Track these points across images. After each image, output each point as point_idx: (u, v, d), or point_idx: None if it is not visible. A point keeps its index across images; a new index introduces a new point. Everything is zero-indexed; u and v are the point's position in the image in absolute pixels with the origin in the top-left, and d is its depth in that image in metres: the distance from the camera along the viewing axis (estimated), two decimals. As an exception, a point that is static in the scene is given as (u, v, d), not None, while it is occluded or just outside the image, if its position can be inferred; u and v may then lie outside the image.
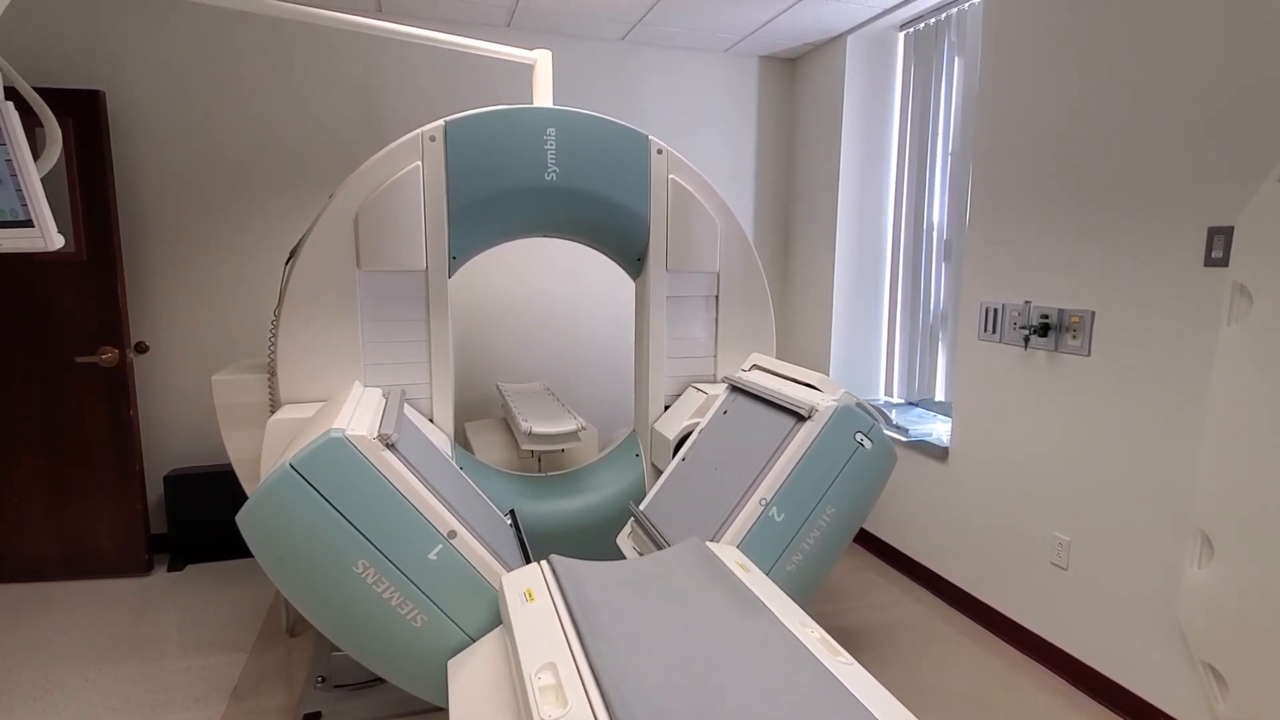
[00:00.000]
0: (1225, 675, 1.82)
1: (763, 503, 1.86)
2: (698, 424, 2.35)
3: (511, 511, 2.23)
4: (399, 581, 1.56)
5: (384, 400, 2.00)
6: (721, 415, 2.29)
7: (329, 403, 2.01)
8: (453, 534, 1.62)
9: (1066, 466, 2.33)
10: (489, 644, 1.59)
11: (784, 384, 2.21)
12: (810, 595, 1.94)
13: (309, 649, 2.47)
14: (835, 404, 1.95)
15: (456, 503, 1.72)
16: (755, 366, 2.50)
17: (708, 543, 1.79)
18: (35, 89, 2.24)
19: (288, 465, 1.51)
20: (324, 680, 2.20)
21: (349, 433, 1.57)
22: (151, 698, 2.19)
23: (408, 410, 2.13)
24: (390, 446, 1.62)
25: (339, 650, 2.15)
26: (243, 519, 1.50)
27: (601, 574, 1.61)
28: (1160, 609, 2.06)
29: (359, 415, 1.75)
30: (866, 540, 3.42)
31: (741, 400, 2.27)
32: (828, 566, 1.95)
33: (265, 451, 1.94)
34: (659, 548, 1.97)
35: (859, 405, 2.03)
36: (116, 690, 2.23)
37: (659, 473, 2.33)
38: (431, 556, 1.59)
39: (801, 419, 1.96)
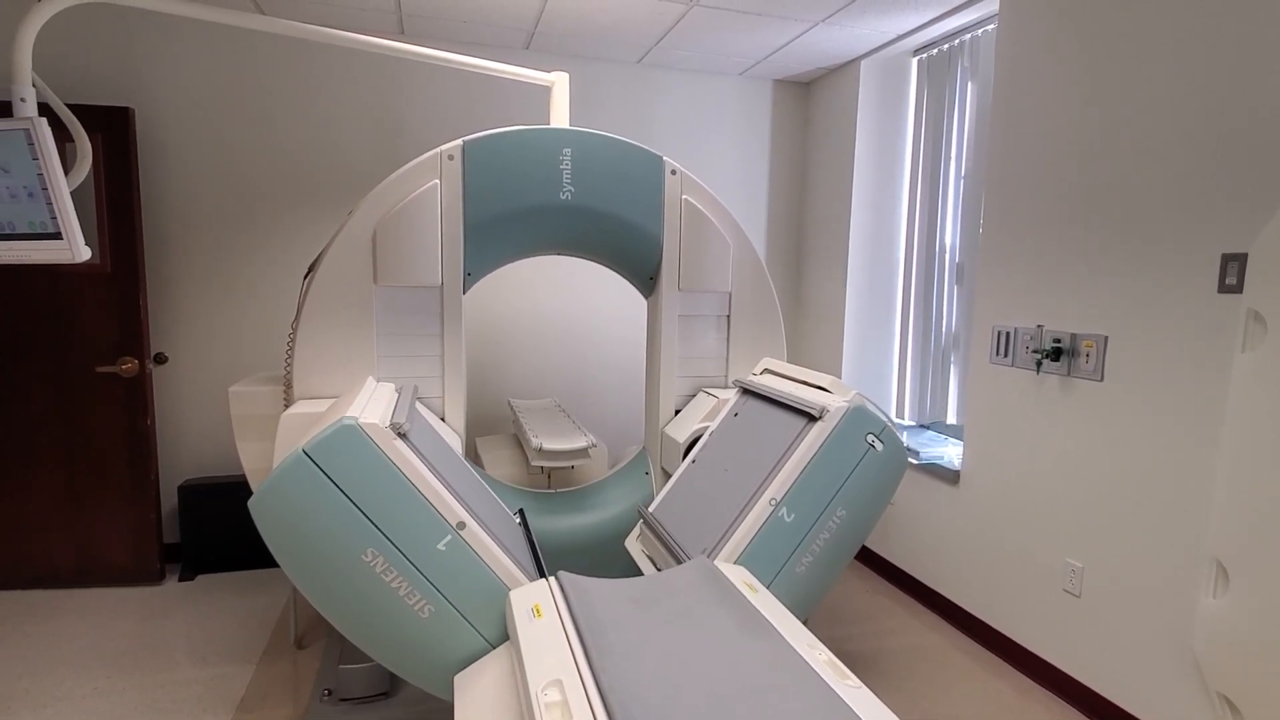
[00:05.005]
0: (1240, 707, 1.79)
1: (773, 503, 1.85)
2: (708, 427, 2.35)
3: (520, 510, 2.23)
4: (407, 571, 1.56)
5: (397, 394, 2.02)
6: (732, 418, 2.29)
7: (342, 397, 2.03)
8: (461, 525, 1.62)
9: (1079, 492, 2.31)
10: (495, 660, 1.59)
11: (795, 386, 2.20)
12: (819, 600, 1.92)
13: (316, 661, 2.47)
14: (846, 405, 1.94)
15: (466, 496, 1.73)
16: (766, 370, 2.51)
17: (716, 563, 1.79)
18: (67, 105, 2.30)
19: (300, 450, 1.52)
20: (330, 693, 2.20)
21: (361, 420, 1.59)
22: (158, 707, 2.20)
23: (420, 408, 2.14)
24: (402, 436, 1.64)
25: (346, 664, 2.15)
26: (254, 505, 1.52)
27: (609, 591, 1.61)
28: (1175, 638, 2.03)
29: (372, 406, 1.77)
30: (876, 563, 3.39)
31: (752, 402, 2.27)
32: (837, 570, 1.93)
33: (278, 444, 1.96)
34: (668, 549, 1.96)
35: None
36: (123, 700, 2.24)
37: (669, 478, 2.34)
38: (440, 547, 1.59)
39: (812, 419, 1.95)
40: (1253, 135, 1.82)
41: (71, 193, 1.72)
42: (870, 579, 3.34)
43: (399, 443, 1.62)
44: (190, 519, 3.13)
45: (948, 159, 3.24)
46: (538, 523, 2.43)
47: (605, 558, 2.45)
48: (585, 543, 2.46)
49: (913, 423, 3.50)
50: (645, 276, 2.57)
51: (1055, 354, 2.34)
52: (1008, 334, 2.56)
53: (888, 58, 3.44)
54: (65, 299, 2.89)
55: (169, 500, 3.24)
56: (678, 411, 2.61)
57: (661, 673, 1.27)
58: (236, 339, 3.27)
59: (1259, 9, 1.80)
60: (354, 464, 1.55)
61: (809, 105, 3.89)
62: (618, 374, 3.80)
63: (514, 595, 1.61)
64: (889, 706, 2.12)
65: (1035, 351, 2.43)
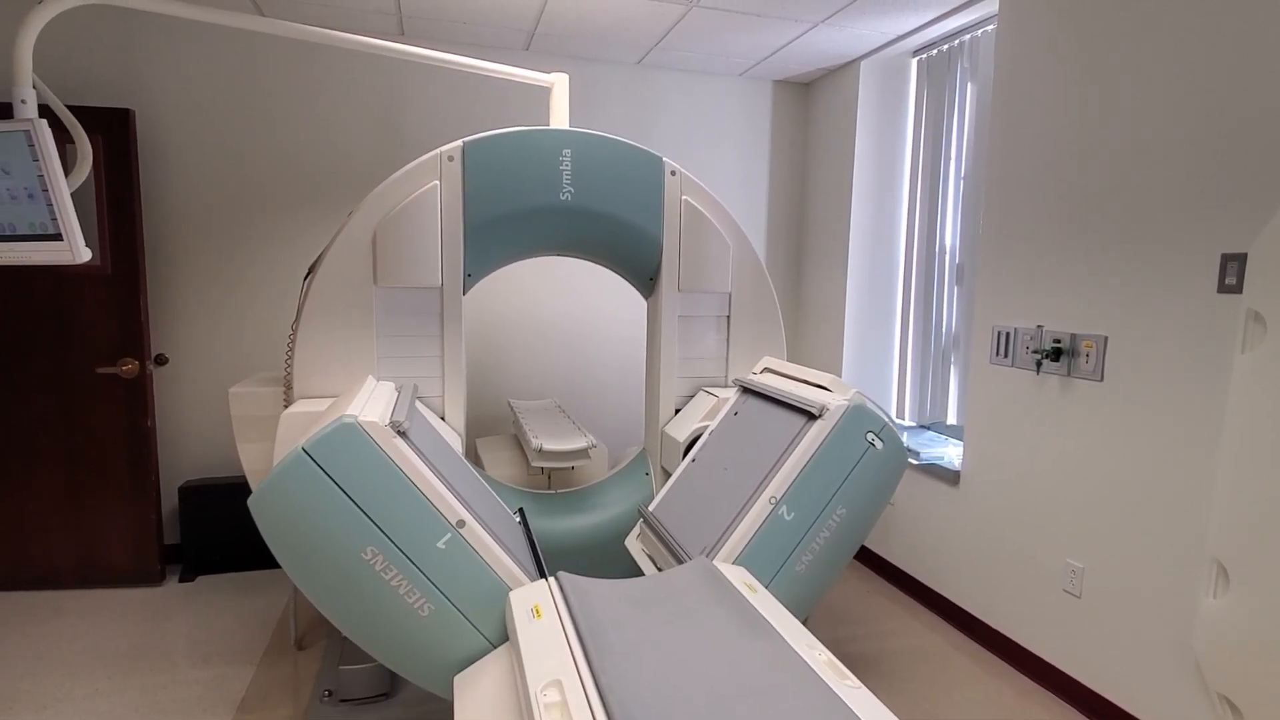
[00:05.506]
0: (1241, 708, 1.79)
1: (772, 501, 1.84)
2: (708, 426, 2.35)
3: (520, 509, 2.23)
4: (406, 569, 1.56)
5: (397, 393, 2.02)
6: (732, 417, 2.29)
7: (342, 396, 2.04)
8: (461, 524, 1.62)
9: (1079, 492, 2.31)
10: (495, 660, 1.59)
11: (795, 385, 2.20)
12: (819, 599, 1.92)
13: (317, 662, 2.47)
14: (846, 403, 1.94)
15: (466, 494, 1.73)
16: (766, 369, 2.51)
17: (716, 562, 1.79)
18: (67, 106, 2.30)
19: (300, 449, 1.52)
20: (330, 694, 2.20)
21: (361, 419, 1.59)
22: (159, 709, 2.20)
23: (420, 407, 2.15)
24: (402, 434, 1.64)
25: (346, 664, 2.16)
26: (254, 503, 1.52)
27: (609, 592, 1.61)
28: (1175, 639, 2.03)
29: (372, 404, 1.77)
30: (876, 564, 3.39)
31: (752, 401, 2.27)
32: (837, 569, 1.93)
33: (278, 443, 1.96)
34: (668, 548, 1.96)
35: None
36: (124, 700, 2.24)
37: (669, 477, 2.34)
38: (440, 545, 1.59)
39: (812, 418, 1.95)
40: (1252, 135, 1.82)
41: (72, 194, 1.72)
42: (870, 580, 3.33)
43: (398, 441, 1.62)
44: (191, 520, 3.13)
45: (948, 159, 3.24)
46: (538, 523, 2.43)
47: (605, 558, 2.45)
48: (585, 543, 2.46)
49: (913, 423, 3.50)
50: (645, 277, 2.57)
51: (1055, 354, 2.34)
52: (1008, 334, 2.56)
53: (887, 58, 3.44)
54: (66, 300, 2.89)
55: (169, 501, 3.24)
56: (678, 411, 2.61)
57: (661, 673, 1.27)
58: (237, 340, 3.27)
59: (1259, 9, 1.80)
60: (353, 462, 1.55)
61: (809, 106, 3.90)
62: (618, 374, 3.80)
63: (513, 596, 1.61)
64: (890, 708, 2.12)
65: (1035, 352, 2.43)
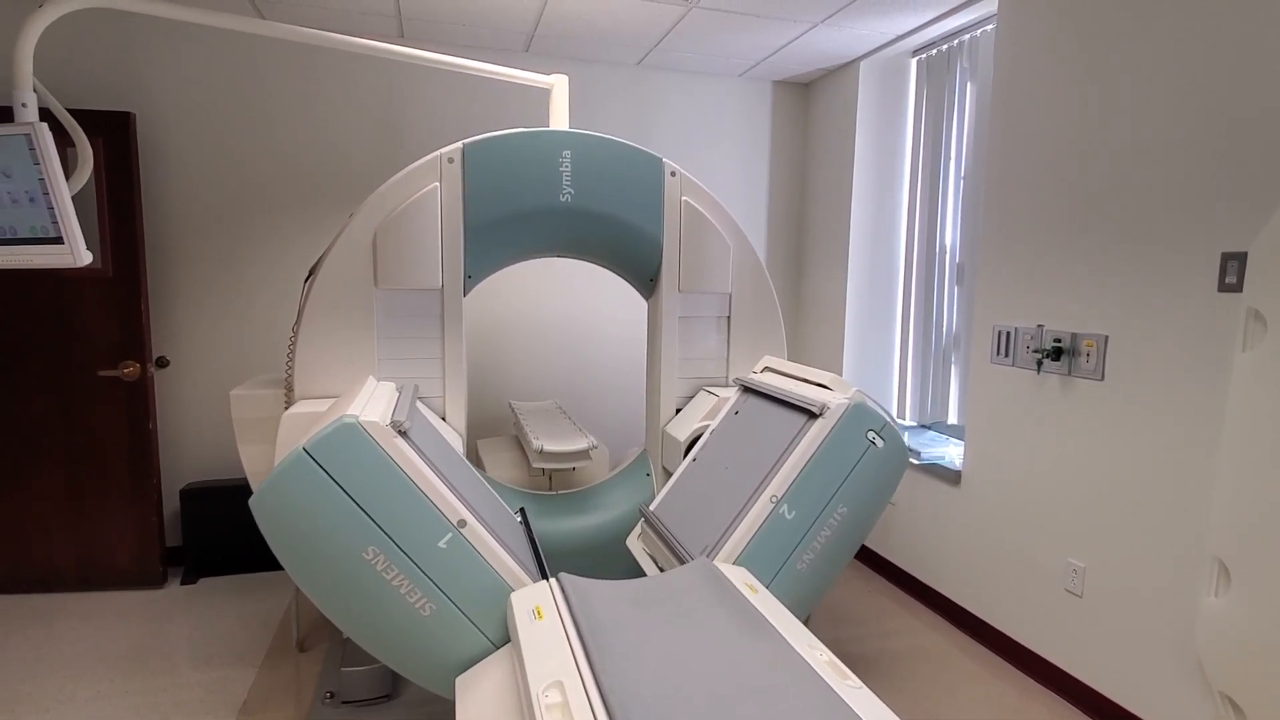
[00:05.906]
0: (1243, 707, 1.79)
1: (773, 500, 1.85)
2: (709, 425, 2.35)
3: (521, 509, 2.23)
4: (408, 569, 1.56)
5: (398, 393, 2.02)
6: (733, 416, 2.29)
7: (343, 396, 2.04)
8: (462, 523, 1.62)
9: (1080, 492, 2.31)
10: (497, 661, 1.59)
11: (795, 384, 2.21)
12: (820, 597, 1.92)
13: (318, 664, 2.47)
14: (847, 401, 1.95)
15: (467, 494, 1.73)
16: (767, 369, 2.51)
17: (717, 562, 1.79)
18: (68, 110, 2.31)
19: (301, 449, 1.53)
20: (332, 696, 2.20)
21: (362, 418, 1.60)
22: (161, 711, 2.20)
23: (421, 407, 2.15)
24: (402, 434, 1.64)
25: (348, 666, 2.16)
26: (255, 503, 1.52)
27: (610, 593, 1.61)
28: (1177, 638, 2.03)
29: (372, 404, 1.77)
30: (877, 563, 3.39)
31: (753, 400, 2.28)
32: (838, 567, 1.93)
33: (279, 444, 1.96)
34: (669, 548, 1.97)
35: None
36: (126, 703, 2.24)
37: (670, 477, 2.35)
38: (441, 545, 1.59)
39: (813, 417, 1.95)
40: (1252, 134, 1.82)
41: (73, 197, 1.73)
42: (871, 579, 3.33)
43: (399, 440, 1.62)
44: (192, 522, 3.13)
45: (948, 159, 3.24)
46: (539, 525, 2.43)
47: (607, 559, 2.45)
48: (587, 544, 2.46)
49: (914, 423, 3.50)
50: (645, 278, 2.57)
51: (1056, 354, 2.34)
52: (1008, 334, 2.56)
53: (887, 58, 3.44)
54: (67, 303, 2.89)
55: (171, 503, 3.24)
56: (679, 411, 2.61)
57: (662, 674, 1.27)
58: (238, 342, 3.27)
59: (1259, 9, 1.80)
60: (354, 462, 1.56)
61: (809, 106, 3.90)
62: (618, 375, 3.80)
63: (515, 597, 1.61)
64: (891, 708, 2.12)
65: (1036, 351, 2.43)
